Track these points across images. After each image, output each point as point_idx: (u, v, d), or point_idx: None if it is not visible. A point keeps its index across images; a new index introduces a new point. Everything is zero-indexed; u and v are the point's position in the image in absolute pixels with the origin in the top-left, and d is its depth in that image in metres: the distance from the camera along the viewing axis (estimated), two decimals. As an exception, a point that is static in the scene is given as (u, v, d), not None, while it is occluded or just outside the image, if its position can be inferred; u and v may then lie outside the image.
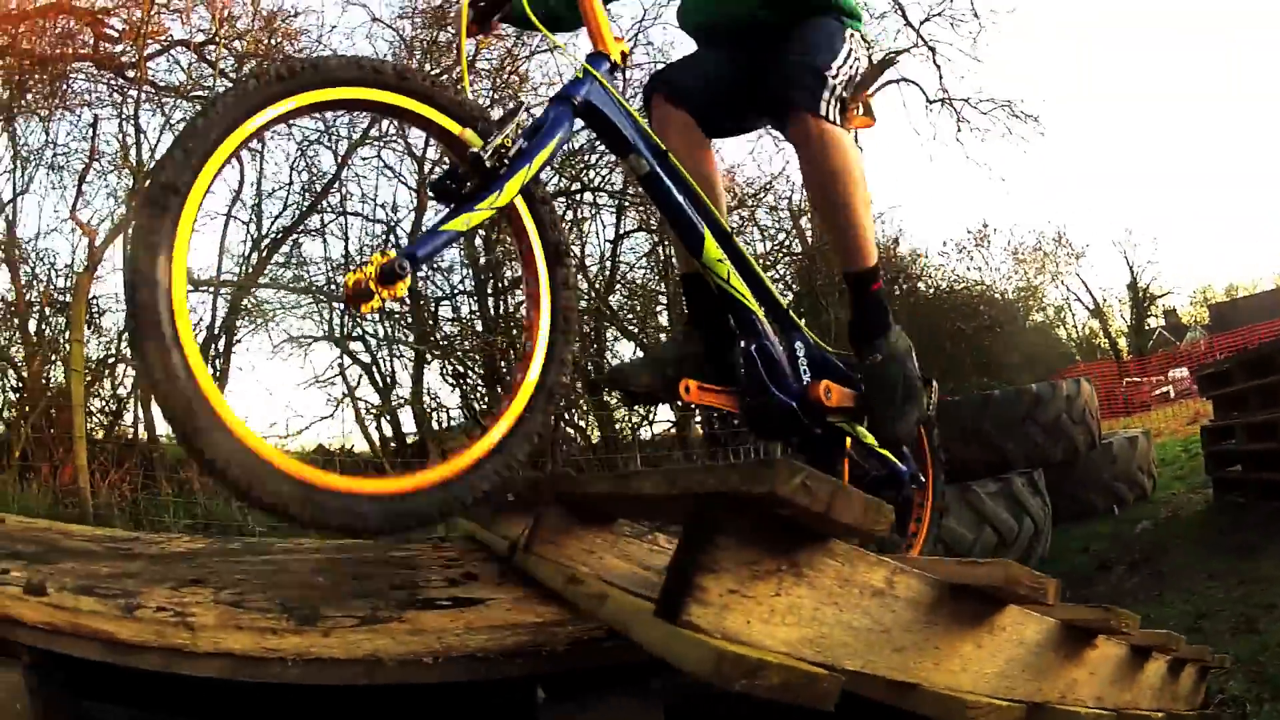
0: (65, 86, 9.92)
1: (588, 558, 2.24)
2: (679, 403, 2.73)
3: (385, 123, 10.64)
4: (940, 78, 17.86)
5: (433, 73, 10.52)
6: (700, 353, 2.70)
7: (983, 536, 5.59)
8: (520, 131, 2.20)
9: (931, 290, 17.58)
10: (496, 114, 2.31)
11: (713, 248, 2.56)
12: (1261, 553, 4.43)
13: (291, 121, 2.00)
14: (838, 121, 2.62)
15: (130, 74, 10.15)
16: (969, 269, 25.12)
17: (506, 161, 2.14)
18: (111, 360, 9.36)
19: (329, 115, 10.30)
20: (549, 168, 2.51)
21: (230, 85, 1.96)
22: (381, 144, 10.73)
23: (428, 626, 1.78)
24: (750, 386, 2.61)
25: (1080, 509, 6.85)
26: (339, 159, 10.48)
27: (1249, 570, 4.16)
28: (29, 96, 9.69)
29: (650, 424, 10.84)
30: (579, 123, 2.45)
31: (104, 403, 9.32)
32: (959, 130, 17.59)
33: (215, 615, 1.75)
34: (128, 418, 9.39)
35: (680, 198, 2.55)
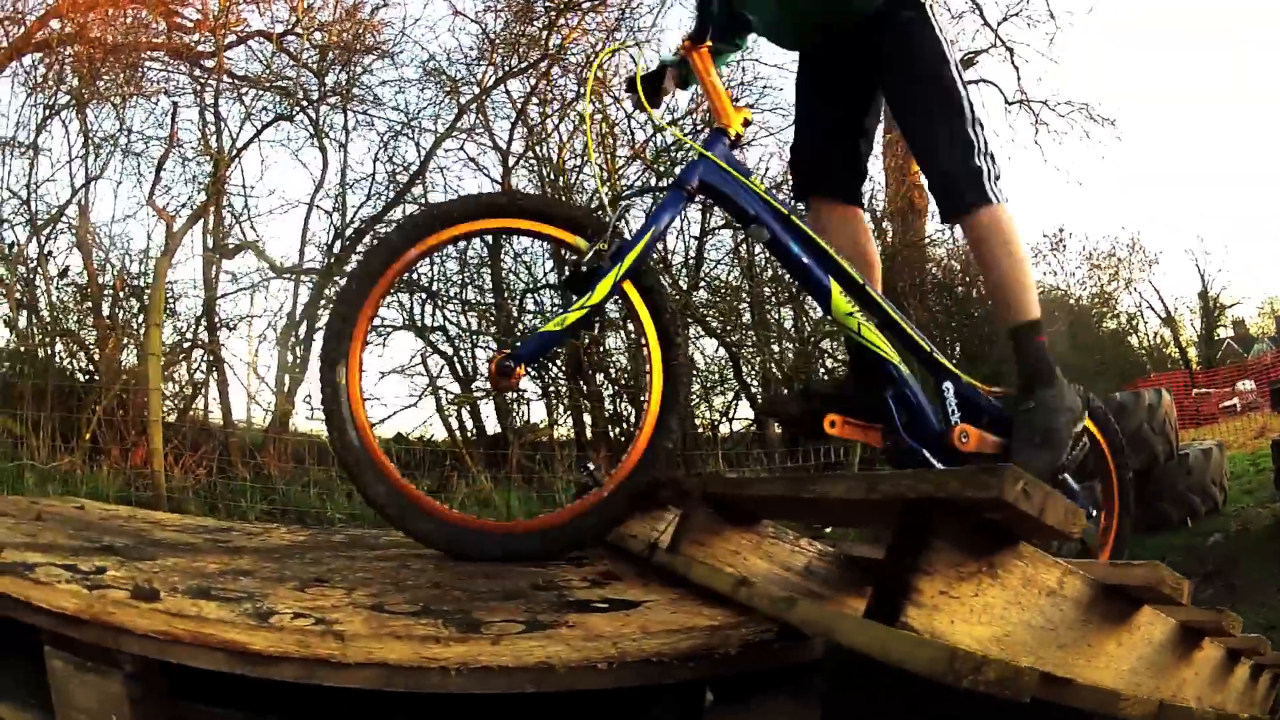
0: (140, 75, 9.88)
1: (733, 558, 2.21)
2: (823, 434, 2.75)
3: (471, 117, 10.56)
4: (1018, 78, 17.55)
5: (518, 66, 10.40)
6: (851, 395, 2.81)
7: (1067, 543, 5.42)
8: (622, 230, 2.54)
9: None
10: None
11: (841, 303, 2.67)
12: (1328, 568, 4.50)
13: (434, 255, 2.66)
14: (999, 193, 2.75)
15: (208, 64, 10.11)
16: (1045, 273, 24.63)
17: (603, 264, 2.47)
18: (187, 345, 9.34)
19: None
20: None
21: (379, 238, 2.84)
22: (466, 137, 10.55)
23: (602, 631, 1.63)
24: (889, 429, 2.71)
25: (1154, 519, 6.71)
26: (422, 152, 10.32)
27: (1316, 585, 4.22)
28: (101, 84, 9.64)
29: (730, 421, 10.68)
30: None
31: (179, 387, 9.28)
32: (1036, 133, 17.13)
33: (363, 621, 1.56)
34: (201, 402, 9.39)
35: (805, 258, 2.67)
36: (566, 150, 10.25)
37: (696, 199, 2.66)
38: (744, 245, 10.70)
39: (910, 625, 1.31)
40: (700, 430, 9.85)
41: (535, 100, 10.37)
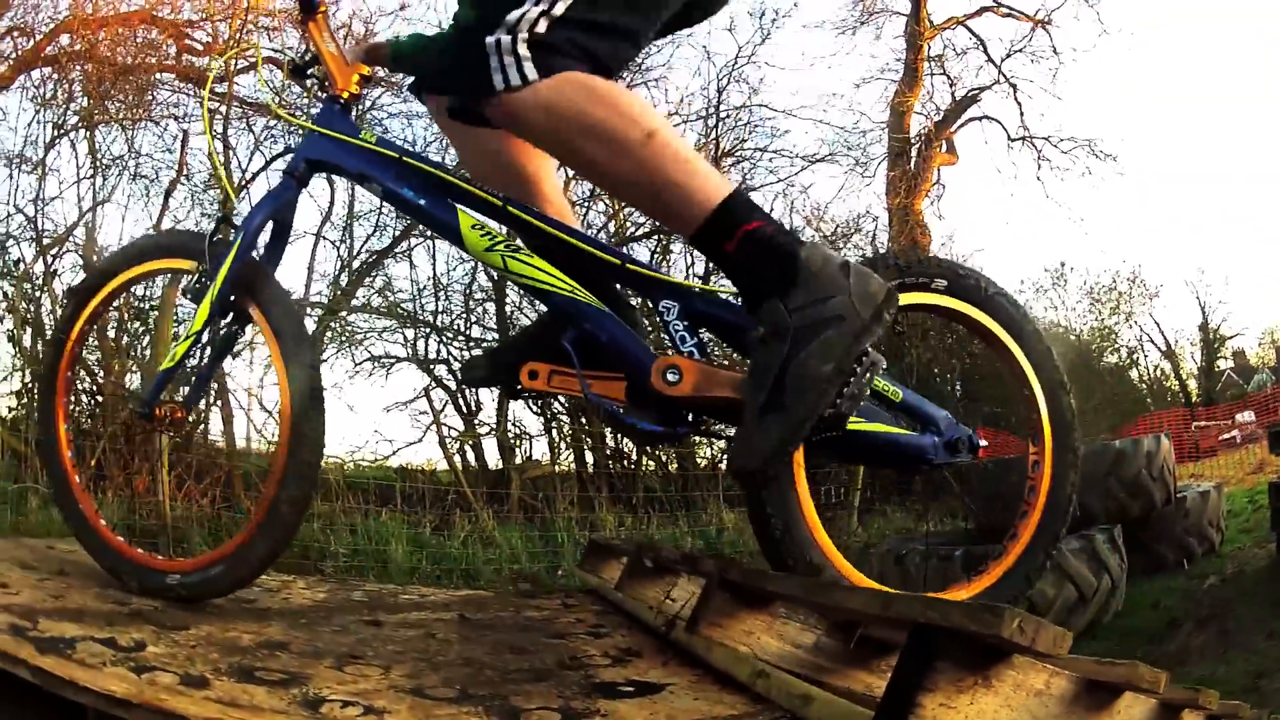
0: (150, 97, 9.88)
1: (747, 639, 2.18)
2: (525, 390, 2.19)
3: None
4: (1021, 115, 17.66)
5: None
6: (552, 338, 2.19)
7: (1064, 593, 5.60)
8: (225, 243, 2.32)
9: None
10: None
11: (474, 237, 2.18)
12: (1321, 612, 4.59)
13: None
14: (527, 75, 1.93)
15: (218, 89, 10.12)
16: (1046, 309, 24.68)
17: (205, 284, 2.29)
18: (191, 371, 9.34)
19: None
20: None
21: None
22: (472, 172, 10.64)
23: (634, 720, 1.63)
24: (581, 377, 2.12)
25: (1151, 563, 6.84)
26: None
27: (1309, 630, 4.30)
28: (110, 105, 9.64)
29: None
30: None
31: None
32: (1039, 169, 17.26)
33: (409, 710, 1.56)
34: (204, 430, 9.35)
35: (421, 199, 2.23)
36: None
37: (313, 178, 2.42)
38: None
39: (913, 737, 1.37)
40: (702, 468, 9.85)
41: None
